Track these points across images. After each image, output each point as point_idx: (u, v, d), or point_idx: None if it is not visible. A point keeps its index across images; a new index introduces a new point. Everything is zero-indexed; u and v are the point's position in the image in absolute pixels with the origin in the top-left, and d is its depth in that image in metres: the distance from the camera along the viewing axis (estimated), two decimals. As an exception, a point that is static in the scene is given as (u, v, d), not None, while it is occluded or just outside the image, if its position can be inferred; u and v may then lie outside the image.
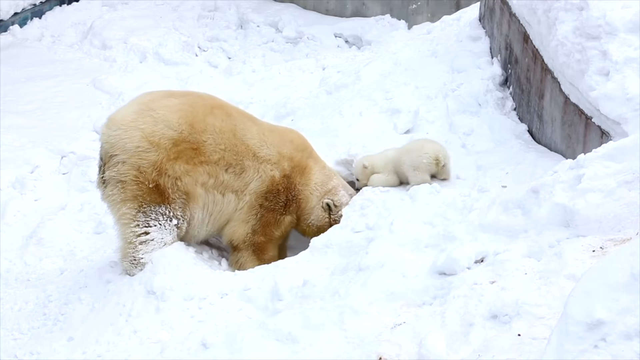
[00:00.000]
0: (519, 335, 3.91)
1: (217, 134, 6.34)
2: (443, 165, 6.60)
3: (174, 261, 6.08)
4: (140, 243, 6.20)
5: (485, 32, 8.75)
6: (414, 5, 13.11)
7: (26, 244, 7.70)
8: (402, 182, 6.77)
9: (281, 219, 6.66)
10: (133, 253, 6.21)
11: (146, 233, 6.21)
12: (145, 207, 6.19)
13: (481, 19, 9.02)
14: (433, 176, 6.64)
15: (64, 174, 9.05)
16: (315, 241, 6.12)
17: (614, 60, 5.85)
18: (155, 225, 6.22)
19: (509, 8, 7.78)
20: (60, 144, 9.52)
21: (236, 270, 6.57)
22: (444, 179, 6.66)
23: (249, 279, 5.90)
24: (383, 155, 6.91)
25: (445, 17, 10.18)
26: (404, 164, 6.64)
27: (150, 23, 13.85)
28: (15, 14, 14.00)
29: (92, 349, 5.64)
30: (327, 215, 6.77)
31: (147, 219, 6.21)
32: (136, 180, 6.14)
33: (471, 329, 4.12)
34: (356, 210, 6.44)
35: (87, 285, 6.40)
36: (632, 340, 2.90)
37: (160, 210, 6.22)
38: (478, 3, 9.27)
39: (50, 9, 14.37)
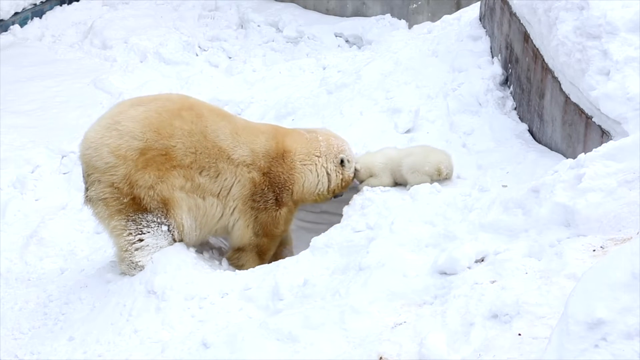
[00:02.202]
0: (520, 334, 3.91)
1: (186, 138, 6.24)
2: (446, 175, 6.59)
3: (174, 261, 6.08)
4: (136, 249, 6.22)
5: (486, 31, 8.76)
6: (415, 5, 13.11)
7: (27, 243, 7.70)
8: (397, 184, 6.77)
9: (277, 214, 6.63)
10: (130, 258, 6.23)
11: (141, 240, 6.22)
12: (133, 217, 6.20)
13: (482, 18, 9.02)
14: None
15: (64, 173, 9.06)
16: (315, 241, 6.12)
17: (614, 59, 5.85)
18: (148, 232, 6.22)
19: (510, 7, 7.78)
20: (61, 143, 9.52)
21: (233, 267, 6.60)
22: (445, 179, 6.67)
23: (249, 278, 5.90)
24: (381, 154, 6.89)
25: (445, 17, 10.18)
26: (404, 165, 6.63)
27: (151, 23, 13.84)
28: (16, 13, 13.99)
29: (92, 348, 5.64)
30: (341, 172, 6.75)
31: (138, 226, 6.21)
32: (114, 197, 6.15)
33: (472, 328, 4.12)
34: (357, 210, 6.44)
35: (87, 285, 6.40)
36: (632, 339, 2.90)
37: (148, 218, 6.22)
38: (478, 2, 9.27)
39: (51, 8, 14.36)
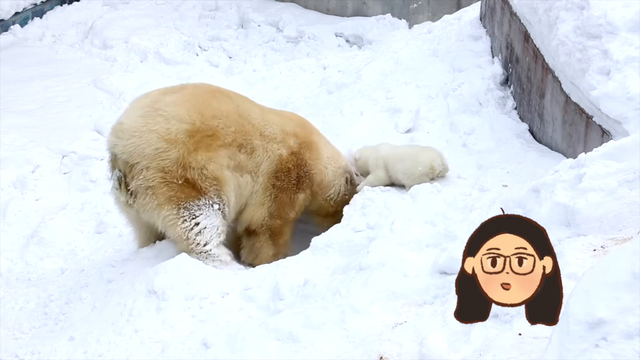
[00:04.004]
0: (520, 334, 3.91)
1: (225, 117, 6.33)
2: (439, 172, 6.58)
3: (175, 260, 6.08)
4: (197, 235, 6.18)
5: (486, 31, 8.76)
6: (415, 5, 13.11)
7: (27, 243, 7.70)
8: (395, 184, 6.76)
9: (295, 197, 6.69)
10: (194, 248, 6.18)
11: (197, 224, 6.19)
12: (184, 204, 6.16)
13: (482, 18, 9.02)
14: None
15: (64, 173, 9.06)
16: (316, 240, 6.13)
17: (614, 59, 5.86)
18: (201, 214, 6.19)
19: (510, 7, 7.78)
20: (61, 143, 9.52)
21: (249, 259, 6.67)
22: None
23: (250, 278, 5.90)
24: (374, 149, 6.91)
25: (446, 17, 10.19)
26: (398, 171, 6.63)
27: (151, 22, 13.84)
28: (16, 13, 13.98)
29: (93, 348, 5.63)
30: (347, 189, 6.92)
31: (190, 211, 6.17)
32: (164, 182, 6.09)
33: (472, 328, 4.11)
34: (357, 210, 6.44)
35: (88, 285, 6.40)
36: (633, 339, 2.90)
37: (199, 203, 6.18)
38: (479, 2, 9.28)
39: (51, 8, 14.35)
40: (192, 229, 6.18)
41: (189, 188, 6.15)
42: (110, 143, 6.25)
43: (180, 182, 6.12)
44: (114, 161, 6.22)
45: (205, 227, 6.20)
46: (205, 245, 6.19)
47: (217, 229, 6.25)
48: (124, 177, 6.16)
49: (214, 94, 6.47)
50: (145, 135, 6.08)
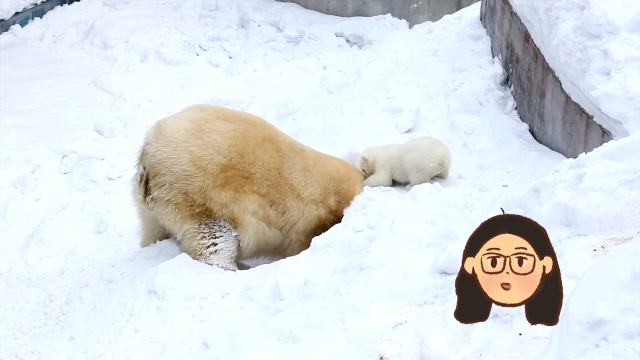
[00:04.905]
0: (521, 334, 3.91)
1: (265, 170, 6.26)
2: (445, 170, 6.59)
3: (175, 260, 6.08)
4: (211, 254, 6.17)
5: (487, 31, 8.76)
6: (415, 5, 13.11)
7: (27, 243, 7.71)
8: (396, 182, 6.74)
9: None
10: (206, 262, 6.17)
11: (214, 244, 6.18)
12: (206, 220, 6.14)
13: (482, 18, 9.02)
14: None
15: (65, 173, 9.07)
16: (316, 240, 6.12)
17: (615, 59, 5.86)
18: (221, 236, 6.18)
19: (510, 7, 7.78)
20: (62, 143, 9.52)
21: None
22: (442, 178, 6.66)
23: (250, 278, 5.90)
24: (385, 150, 6.89)
25: (446, 16, 10.20)
26: (407, 161, 6.59)
27: (151, 22, 13.84)
28: (17, 13, 13.98)
29: (93, 348, 5.63)
30: None
31: (211, 230, 6.16)
32: (187, 202, 6.07)
33: (472, 328, 4.11)
34: (357, 210, 6.43)
35: (88, 285, 6.39)
36: (633, 339, 2.90)
37: (220, 222, 6.18)
38: (479, 2, 9.28)
39: (52, 8, 14.36)
40: (208, 247, 6.17)
41: (207, 214, 6.13)
42: (148, 136, 6.20)
43: (197, 210, 6.10)
44: (144, 155, 6.16)
45: (221, 249, 6.19)
46: (216, 261, 6.19)
47: (232, 252, 6.25)
48: (146, 178, 6.12)
49: (263, 141, 6.31)
50: (178, 152, 6.02)
